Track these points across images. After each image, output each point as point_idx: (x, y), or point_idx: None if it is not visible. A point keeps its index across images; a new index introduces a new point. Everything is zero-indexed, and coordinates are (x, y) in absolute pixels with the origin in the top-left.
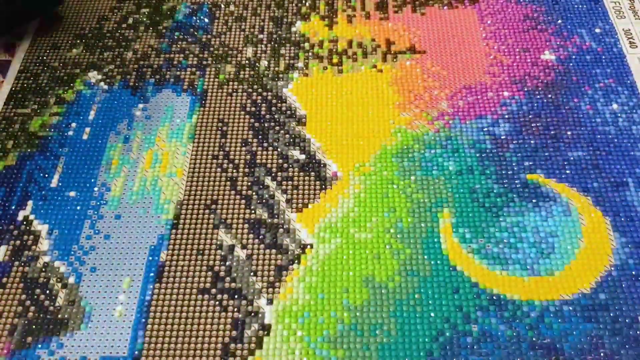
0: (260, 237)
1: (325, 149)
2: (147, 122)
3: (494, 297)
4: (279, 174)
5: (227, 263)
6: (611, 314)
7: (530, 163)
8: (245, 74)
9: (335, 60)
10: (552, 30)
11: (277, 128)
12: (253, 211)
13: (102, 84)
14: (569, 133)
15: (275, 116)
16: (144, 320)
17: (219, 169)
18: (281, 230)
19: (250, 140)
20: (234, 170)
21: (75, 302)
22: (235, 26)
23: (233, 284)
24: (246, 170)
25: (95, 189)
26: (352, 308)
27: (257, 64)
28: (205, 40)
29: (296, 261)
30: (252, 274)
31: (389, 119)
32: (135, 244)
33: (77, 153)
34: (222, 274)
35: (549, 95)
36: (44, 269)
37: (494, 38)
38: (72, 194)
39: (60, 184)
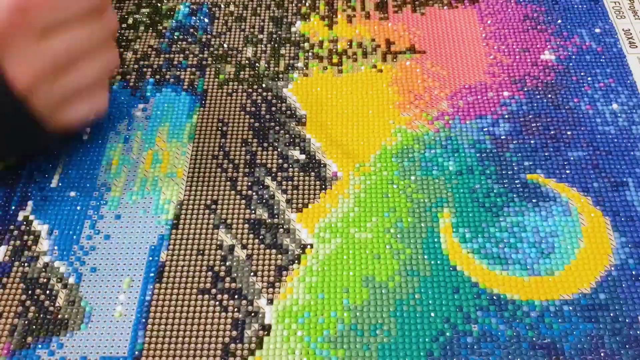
0: (260, 237)
1: (325, 149)
2: (147, 122)
3: (494, 297)
4: (279, 174)
5: (227, 263)
6: (611, 314)
7: (530, 163)
8: (245, 74)
9: (335, 60)
10: (552, 30)
11: (277, 128)
12: (253, 211)
13: None
14: (569, 133)
15: (275, 116)
16: (144, 320)
17: (219, 169)
18: (281, 230)
19: (250, 140)
20: (234, 170)
21: (75, 302)
22: (235, 26)
23: (233, 284)
24: (246, 170)
25: (95, 189)
26: (352, 308)
27: (257, 64)
28: (205, 40)
29: (296, 261)
30: (252, 274)
31: (389, 119)
32: (135, 244)
33: (77, 153)
34: (222, 274)
35: (549, 95)
36: (44, 269)
37: (494, 38)
38: (72, 194)
39: (60, 184)
